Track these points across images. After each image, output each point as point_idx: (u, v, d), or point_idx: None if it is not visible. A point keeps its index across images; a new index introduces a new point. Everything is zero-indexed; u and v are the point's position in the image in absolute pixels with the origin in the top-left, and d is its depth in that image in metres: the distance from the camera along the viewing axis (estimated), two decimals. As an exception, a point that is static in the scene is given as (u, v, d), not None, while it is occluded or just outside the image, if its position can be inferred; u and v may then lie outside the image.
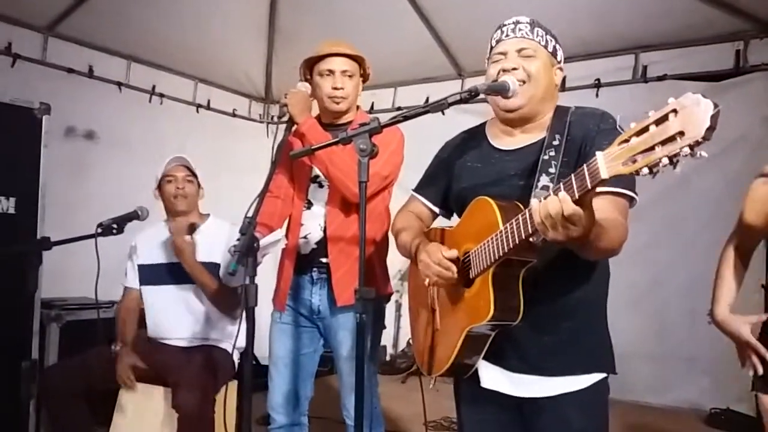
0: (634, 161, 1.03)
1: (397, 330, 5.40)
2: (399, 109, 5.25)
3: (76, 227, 2.55)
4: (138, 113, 4.78)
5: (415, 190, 1.83)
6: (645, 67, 4.35)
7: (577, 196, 1.16)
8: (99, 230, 2.46)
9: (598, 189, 1.17)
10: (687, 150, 0.95)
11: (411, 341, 1.87)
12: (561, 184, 1.19)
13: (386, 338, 5.44)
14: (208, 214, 2.87)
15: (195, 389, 2.40)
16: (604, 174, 1.09)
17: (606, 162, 1.08)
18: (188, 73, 5.22)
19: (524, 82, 1.53)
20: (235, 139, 5.54)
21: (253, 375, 1.79)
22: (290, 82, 2.42)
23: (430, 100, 5.10)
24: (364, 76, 2.33)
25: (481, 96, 1.54)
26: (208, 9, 4.50)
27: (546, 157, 1.48)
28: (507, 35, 1.57)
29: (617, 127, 1.51)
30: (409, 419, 3.76)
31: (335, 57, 2.23)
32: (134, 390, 2.61)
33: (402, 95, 5.34)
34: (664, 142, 0.98)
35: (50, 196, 3.01)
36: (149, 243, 2.77)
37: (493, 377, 1.57)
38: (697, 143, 0.94)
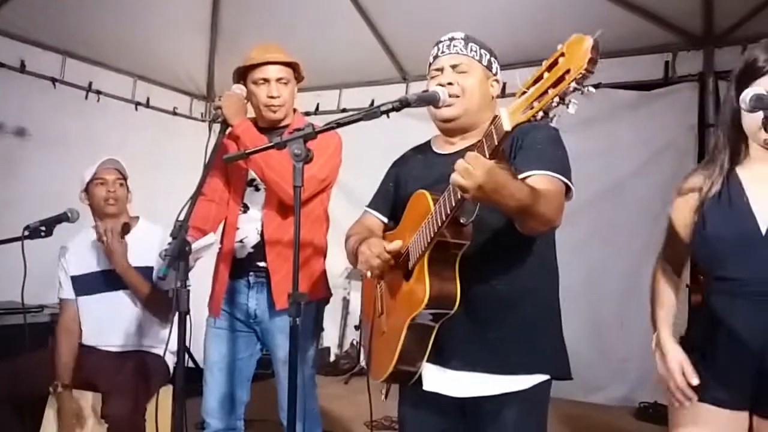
0: (531, 107, 1.08)
1: (343, 330, 5.39)
2: (344, 110, 5.25)
3: (3, 229, 2.45)
4: (73, 111, 4.61)
5: (368, 206, 1.88)
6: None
7: (487, 155, 1.21)
8: (26, 233, 2.39)
9: (537, 172, 1.36)
10: (574, 85, 1.00)
11: (362, 348, 1.87)
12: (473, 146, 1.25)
13: (331, 339, 5.43)
14: (138, 217, 2.80)
15: (126, 397, 2.35)
16: (507, 126, 1.14)
17: (508, 115, 1.14)
18: (127, 70, 5.06)
19: (458, 96, 1.60)
20: (176, 137, 5.41)
21: (189, 380, 1.77)
22: (233, 81, 2.41)
23: (375, 103, 5.16)
24: (299, 79, 2.33)
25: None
26: (149, 4, 4.40)
27: None
28: (443, 51, 1.64)
29: (550, 124, 1.59)
30: (350, 419, 3.78)
31: (269, 65, 2.22)
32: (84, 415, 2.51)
33: (347, 97, 5.34)
34: (555, 84, 1.04)
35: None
36: (80, 251, 2.68)
37: (434, 378, 1.57)
38: (583, 76, 1.00)
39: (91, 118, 4.70)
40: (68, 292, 2.68)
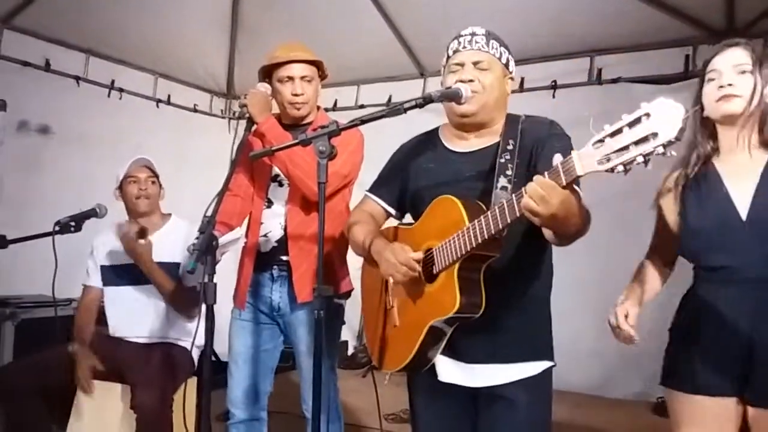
0: (609, 160, 1.12)
1: (361, 324, 5.43)
2: (362, 106, 5.28)
3: (30, 224, 2.53)
4: (96, 108, 4.69)
5: (369, 190, 1.89)
6: (600, 70, 4.48)
7: (563, 185, 1.25)
8: (57, 228, 2.45)
9: None
10: (661, 149, 1.05)
11: (365, 338, 1.92)
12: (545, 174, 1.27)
13: (349, 333, 5.45)
14: (170, 214, 2.86)
15: (153, 389, 2.41)
16: (579, 171, 1.18)
17: (581, 161, 1.18)
18: (148, 68, 5.14)
19: (477, 92, 1.63)
20: (197, 134, 5.49)
21: (212, 372, 1.82)
22: (252, 77, 2.44)
23: (393, 99, 5.22)
24: (323, 77, 2.37)
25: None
26: (170, 2, 4.46)
27: (502, 161, 1.58)
28: (464, 47, 1.65)
29: (565, 132, 1.64)
30: (368, 412, 3.80)
31: (294, 64, 2.26)
32: (92, 393, 2.59)
33: (365, 93, 5.38)
34: (638, 143, 1.07)
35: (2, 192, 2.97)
36: (110, 244, 2.74)
37: (449, 370, 1.65)
38: (670, 143, 1.05)
39: (114, 116, 4.78)
40: (95, 280, 2.77)
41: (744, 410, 1.55)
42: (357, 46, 4.80)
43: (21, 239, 2.40)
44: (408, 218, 1.84)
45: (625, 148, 1.09)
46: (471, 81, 1.62)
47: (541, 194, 1.23)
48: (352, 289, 2.42)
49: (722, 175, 1.60)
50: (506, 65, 1.70)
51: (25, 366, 2.64)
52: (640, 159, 1.08)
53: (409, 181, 1.78)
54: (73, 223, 2.50)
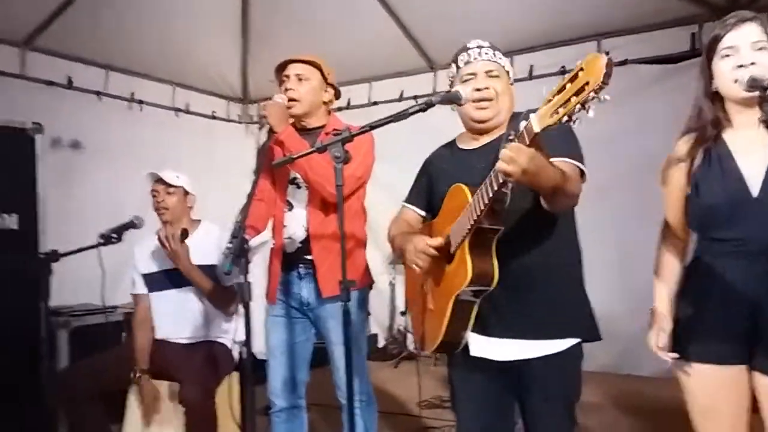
0: (557, 113, 1.28)
1: (391, 317, 5.46)
2: (375, 103, 5.40)
3: (71, 236, 2.70)
4: (118, 121, 4.87)
5: (405, 201, 2.07)
6: (607, 53, 4.49)
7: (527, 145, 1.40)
8: (101, 240, 2.62)
9: (557, 159, 1.53)
10: (593, 94, 1.20)
11: (410, 328, 2.08)
12: (509, 140, 1.44)
13: (379, 325, 5.53)
14: (200, 220, 3.01)
15: (198, 384, 2.60)
16: (536, 128, 1.34)
17: (537, 119, 1.34)
18: (166, 79, 5.30)
19: (491, 99, 1.78)
20: (216, 140, 5.66)
21: (253, 367, 1.97)
22: (266, 81, 2.58)
23: (404, 94, 5.29)
24: (328, 81, 2.47)
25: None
26: (182, 13, 4.60)
27: (504, 147, 1.69)
28: (475, 58, 1.80)
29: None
30: (403, 400, 3.95)
31: (290, 63, 2.41)
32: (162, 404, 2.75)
33: (377, 90, 5.46)
34: (577, 93, 1.23)
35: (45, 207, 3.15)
36: (148, 252, 2.92)
37: (479, 345, 1.77)
38: (600, 87, 1.19)
39: (136, 127, 4.96)
40: (141, 287, 2.94)
41: (751, 378, 1.58)
42: (366, 44, 4.89)
43: (70, 252, 2.56)
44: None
45: (568, 100, 1.25)
46: (486, 89, 1.77)
47: (509, 155, 1.38)
48: (373, 282, 2.57)
49: (733, 150, 1.59)
50: (508, 73, 1.86)
51: (81, 370, 2.84)
52: (579, 107, 1.23)
53: (433, 186, 1.94)
54: (115, 235, 2.67)
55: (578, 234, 1.86)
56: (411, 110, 1.73)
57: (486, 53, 1.80)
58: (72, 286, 3.04)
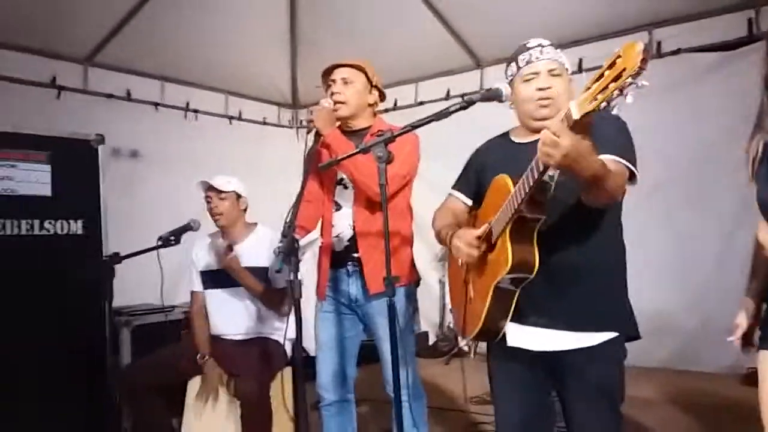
0: (595, 99, 1.29)
1: (442, 314, 5.48)
2: (421, 103, 5.41)
3: (132, 240, 2.84)
4: (175, 130, 5.09)
5: (453, 188, 2.09)
6: (659, 43, 4.39)
7: None
8: (160, 242, 2.76)
9: (606, 156, 1.53)
10: (630, 80, 1.21)
11: (452, 316, 2.11)
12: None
13: (430, 323, 5.58)
14: (255, 224, 3.11)
15: (254, 378, 2.70)
16: (576, 115, 1.34)
17: (576, 106, 1.34)
18: (219, 88, 5.50)
19: (553, 98, 1.77)
20: (267, 145, 5.81)
21: (304, 364, 2.04)
22: (315, 87, 2.64)
23: (451, 93, 5.29)
24: (372, 84, 2.52)
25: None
26: (232, 25, 4.76)
27: None
28: (537, 57, 1.79)
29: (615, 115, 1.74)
30: (453, 396, 3.99)
31: (336, 68, 2.48)
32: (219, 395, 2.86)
33: (423, 90, 5.48)
34: (615, 79, 1.24)
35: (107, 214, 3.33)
36: (205, 252, 3.05)
37: (516, 335, 1.79)
38: (637, 74, 1.20)
39: (191, 135, 5.17)
40: (198, 285, 3.08)
41: None
42: (411, 45, 4.93)
43: (131, 255, 2.71)
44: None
45: (606, 87, 1.26)
46: (549, 88, 1.77)
47: (551, 137, 1.38)
48: (419, 278, 2.60)
49: None
50: (567, 70, 1.85)
51: (143, 366, 2.98)
52: (617, 93, 1.24)
53: (483, 177, 1.95)
54: (173, 238, 2.80)
55: (623, 232, 1.85)
56: (452, 109, 1.76)
57: (548, 52, 1.80)
58: (133, 287, 3.20)
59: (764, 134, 1.57)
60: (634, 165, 1.67)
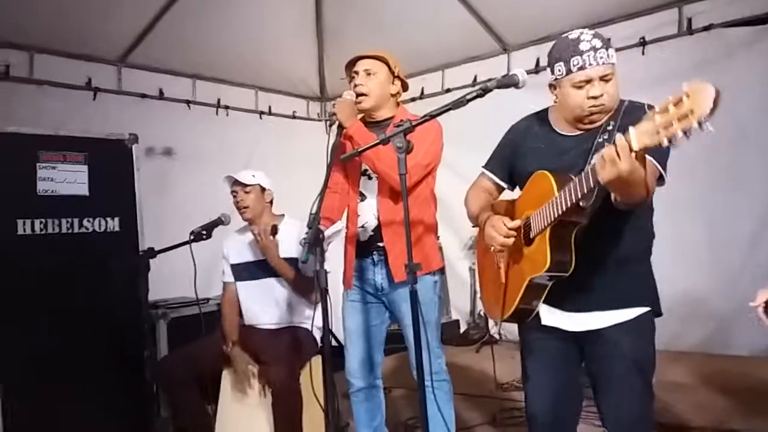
0: (658, 133, 1.28)
1: (473, 302, 5.43)
2: (448, 90, 5.38)
3: (167, 236, 2.93)
4: (207, 127, 5.17)
5: (485, 166, 2.09)
6: (689, 20, 4.27)
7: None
8: (192, 237, 2.84)
9: None
10: (696, 125, 1.19)
11: (480, 295, 2.16)
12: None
13: (460, 311, 5.57)
14: (283, 215, 3.18)
15: (283, 366, 2.77)
16: (635, 145, 1.35)
17: (636, 135, 1.34)
18: (249, 84, 5.58)
19: (604, 105, 1.73)
20: (297, 138, 5.86)
21: (332, 352, 2.09)
22: (340, 79, 2.68)
23: (478, 79, 5.23)
24: (395, 74, 2.54)
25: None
26: (259, 21, 4.83)
27: (600, 140, 1.72)
28: (590, 63, 1.69)
29: None
30: (483, 383, 4.01)
31: (358, 60, 2.51)
32: (252, 383, 2.93)
33: (450, 77, 5.46)
34: (680, 119, 1.22)
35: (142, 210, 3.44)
36: (237, 245, 3.14)
37: (551, 316, 1.85)
38: (705, 120, 1.18)
39: (223, 131, 5.25)
40: (229, 276, 3.17)
41: None
42: (437, 32, 4.91)
43: (165, 249, 2.81)
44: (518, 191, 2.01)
45: (670, 124, 1.24)
46: (601, 95, 1.71)
47: (613, 157, 1.39)
48: (444, 266, 2.62)
49: None
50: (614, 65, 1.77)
51: (179, 357, 3.09)
52: (680, 134, 1.22)
53: (518, 159, 1.96)
54: (204, 232, 2.89)
55: (653, 215, 1.87)
56: (468, 97, 1.77)
57: (601, 57, 1.69)
58: (168, 281, 3.30)
59: None
60: (665, 167, 1.69)
